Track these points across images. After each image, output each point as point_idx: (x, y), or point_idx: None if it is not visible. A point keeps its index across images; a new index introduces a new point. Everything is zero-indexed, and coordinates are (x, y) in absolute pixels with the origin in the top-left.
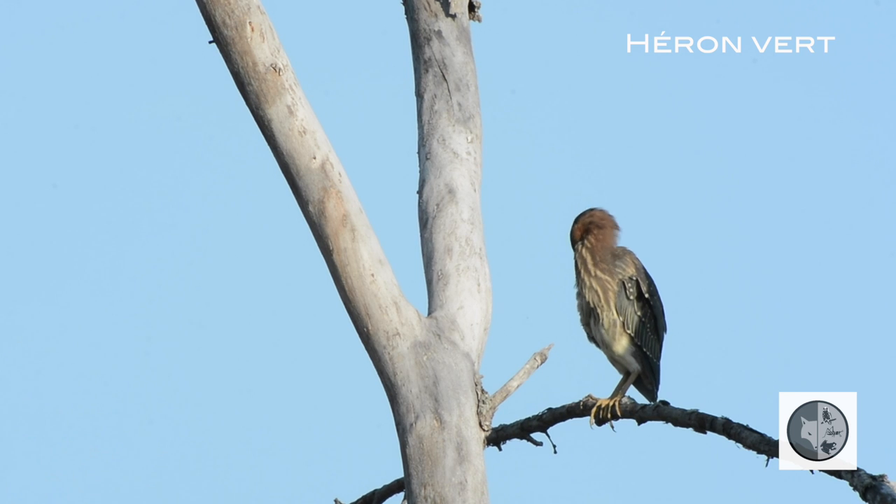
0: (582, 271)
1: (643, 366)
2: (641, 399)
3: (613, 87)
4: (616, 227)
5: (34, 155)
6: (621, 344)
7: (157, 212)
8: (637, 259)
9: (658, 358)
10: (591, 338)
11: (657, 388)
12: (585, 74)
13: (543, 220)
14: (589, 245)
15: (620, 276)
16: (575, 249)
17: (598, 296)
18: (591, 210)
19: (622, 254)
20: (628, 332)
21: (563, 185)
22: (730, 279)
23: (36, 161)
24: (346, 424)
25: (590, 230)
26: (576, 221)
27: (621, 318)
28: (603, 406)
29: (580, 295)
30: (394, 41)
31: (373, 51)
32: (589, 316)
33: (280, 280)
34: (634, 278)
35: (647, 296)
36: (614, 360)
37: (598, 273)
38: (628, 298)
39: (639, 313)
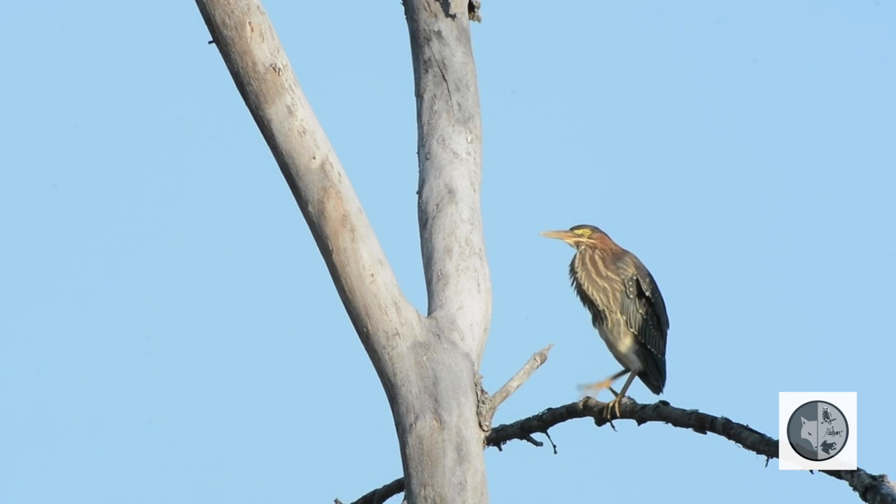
0: (593, 272)
1: (647, 363)
2: (645, 396)
3: (613, 86)
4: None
5: (34, 155)
6: (625, 343)
7: (157, 212)
8: (636, 258)
9: (663, 353)
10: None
11: (664, 384)
12: (585, 74)
13: (543, 220)
14: (600, 254)
15: (623, 276)
16: (581, 252)
17: (608, 296)
18: (595, 229)
19: (622, 254)
20: (632, 330)
21: (563, 184)
22: (730, 279)
23: (36, 161)
24: (346, 424)
25: (595, 244)
26: (581, 228)
27: (624, 318)
28: (602, 406)
29: (584, 296)
30: (394, 41)
31: (373, 51)
32: (595, 318)
33: (280, 280)
34: (635, 277)
35: (647, 294)
36: (619, 358)
37: (609, 273)
38: (629, 297)
39: (641, 311)
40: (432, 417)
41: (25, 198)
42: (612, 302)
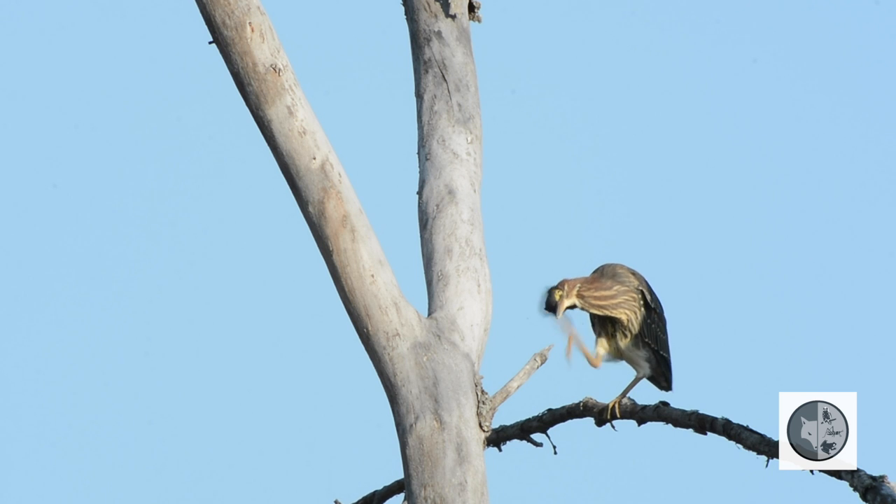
0: (602, 300)
1: (658, 367)
2: (650, 394)
3: (613, 86)
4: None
5: (34, 155)
6: (638, 352)
7: (158, 212)
8: (630, 268)
9: (669, 352)
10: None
11: (672, 381)
12: (585, 74)
13: (543, 220)
14: (589, 286)
15: (630, 286)
16: (580, 305)
17: (628, 307)
18: (563, 280)
19: (612, 271)
20: (645, 339)
21: (564, 185)
22: (730, 279)
23: (36, 161)
24: (346, 424)
25: (581, 293)
26: (557, 288)
27: (638, 328)
28: (603, 407)
29: (605, 320)
30: (394, 41)
31: (373, 51)
32: (607, 335)
33: (280, 280)
34: (640, 289)
35: (652, 304)
36: (629, 363)
37: (616, 287)
38: (640, 309)
39: (649, 319)
40: (432, 418)
41: (25, 198)
42: (635, 313)
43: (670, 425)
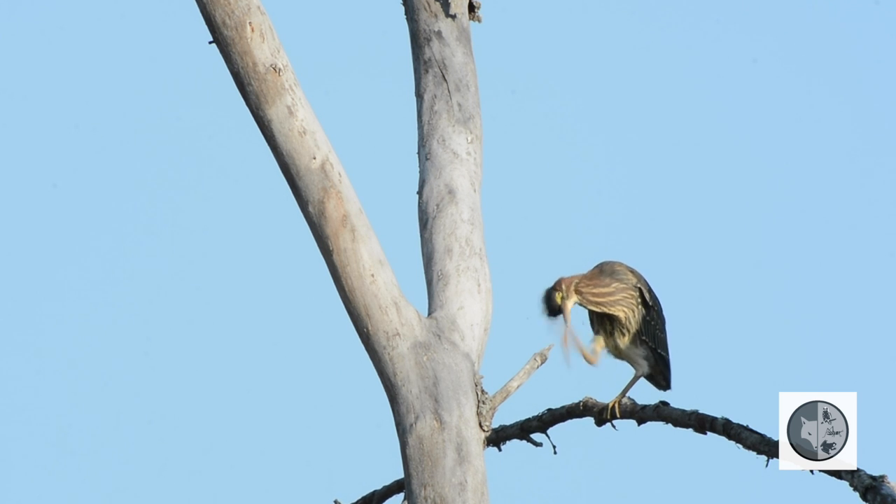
0: (600, 297)
1: (656, 365)
2: (649, 394)
3: (613, 86)
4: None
5: (34, 155)
6: (637, 350)
7: (157, 212)
8: (629, 266)
9: (668, 351)
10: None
11: (671, 380)
12: (585, 74)
13: (543, 220)
14: (587, 283)
15: (628, 284)
16: (578, 301)
17: (626, 305)
18: (560, 280)
19: (611, 268)
20: (643, 338)
21: (564, 185)
22: (730, 279)
23: (36, 161)
24: (346, 424)
25: (579, 289)
26: (555, 290)
27: (636, 327)
28: (602, 407)
29: (604, 317)
30: (394, 41)
31: (373, 51)
32: (605, 332)
33: (280, 280)
34: (638, 287)
35: (650, 302)
36: (628, 361)
37: (614, 284)
38: (638, 307)
39: (648, 317)
40: (432, 417)
41: (25, 198)
42: (633, 311)
43: (670, 425)
